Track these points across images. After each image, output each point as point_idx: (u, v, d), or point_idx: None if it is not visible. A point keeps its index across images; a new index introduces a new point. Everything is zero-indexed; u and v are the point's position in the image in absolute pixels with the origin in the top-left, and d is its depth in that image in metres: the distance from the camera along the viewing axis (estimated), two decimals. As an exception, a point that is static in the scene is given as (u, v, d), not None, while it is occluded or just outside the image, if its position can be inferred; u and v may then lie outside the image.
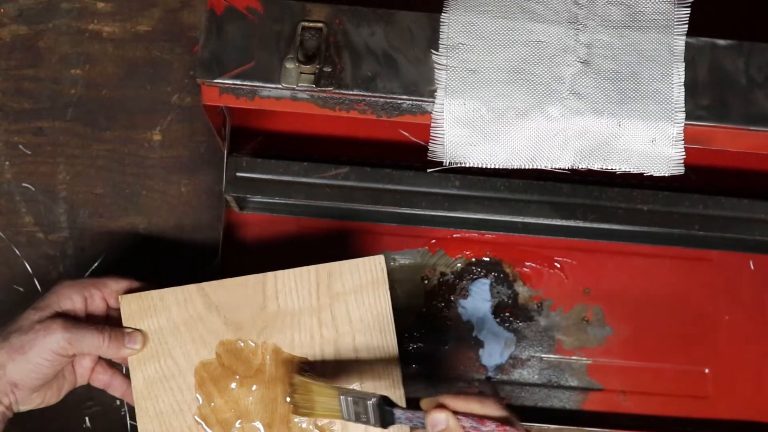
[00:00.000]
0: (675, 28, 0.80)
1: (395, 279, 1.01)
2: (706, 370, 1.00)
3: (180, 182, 1.03)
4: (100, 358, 0.86)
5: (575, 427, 0.98)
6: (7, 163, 1.02)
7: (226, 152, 0.90)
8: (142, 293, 0.84)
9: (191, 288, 0.84)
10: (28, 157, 1.02)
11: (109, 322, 0.84)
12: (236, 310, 0.84)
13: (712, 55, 0.79)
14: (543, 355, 1.01)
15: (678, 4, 0.80)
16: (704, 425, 1.00)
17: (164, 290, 0.84)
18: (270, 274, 0.84)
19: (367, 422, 0.77)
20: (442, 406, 0.75)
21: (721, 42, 0.80)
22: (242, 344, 0.84)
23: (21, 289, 1.00)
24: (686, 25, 0.80)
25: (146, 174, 1.02)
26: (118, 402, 0.99)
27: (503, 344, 1.01)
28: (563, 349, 1.00)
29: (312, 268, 0.85)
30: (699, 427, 0.99)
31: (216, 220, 1.01)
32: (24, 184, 1.02)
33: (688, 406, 0.99)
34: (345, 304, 0.84)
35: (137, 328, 0.83)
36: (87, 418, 0.99)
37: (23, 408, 0.82)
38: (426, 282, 1.02)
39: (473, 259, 1.02)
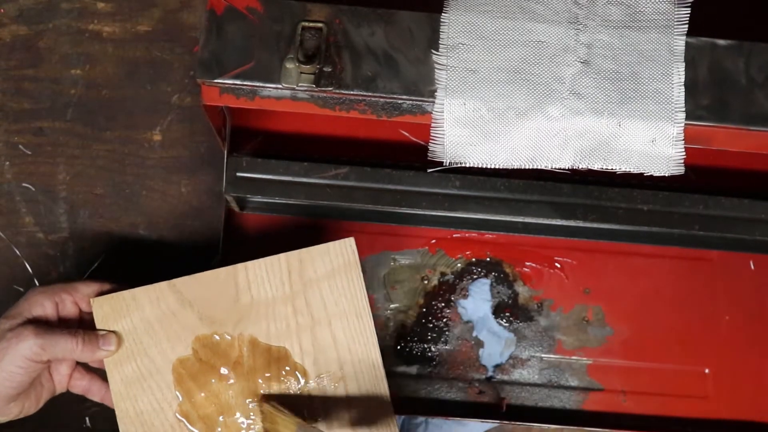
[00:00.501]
0: (675, 28, 0.80)
1: (395, 279, 1.01)
2: (706, 370, 1.00)
3: (180, 182, 1.03)
4: (77, 363, 0.85)
5: (575, 427, 0.98)
6: (8, 163, 1.02)
7: (226, 152, 0.90)
8: (114, 294, 0.84)
9: (162, 285, 0.84)
10: (28, 158, 1.02)
11: (83, 326, 0.84)
12: (210, 304, 0.84)
13: (712, 55, 0.79)
14: (543, 355, 1.01)
15: (678, 4, 0.80)
16: (704, 425, 1.00)
17: (136, 290, 0.84)
18: (240, 266, 0.84)
19: None
20: None
21: (721, 42, 0.80)
22: (218, 338, 0.84)
23: (21, 289, 1.00)
24: (686, 25, 0.80)
25: (146, 174, 1.02)
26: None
27: (503, 344, 1.01)
28: (563, 349, 1.00)
29: (282, 255, 0.84)
30: (699, 427, 0.99)
31: (216, 220, 1.01)
32: (24, 185, 1.02)
33: (688, 406, 0.99)
34: (319, 290, 0.84)
35: (111, 329, 0.83)
36: (87, 419, 0.99)
37: (2, 419, 0.81)
38: (426, 282, 1.02)
39: (473, 259, 1.02)
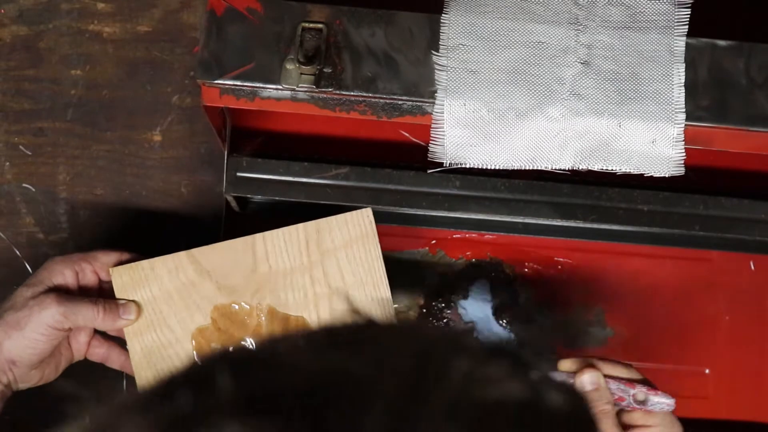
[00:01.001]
0: (675, 29, 0.80)
1: (396, 279, 1.01)
2: (706, 370, 1.00)
3: (180, 182, 1.03)
4: (95, 331, 0.86)
5: (575, 428, 0.98)
6: (8, 163, 1.02)
7: (226, 152, 0.90)
8: (133, 264, 0.84)
9: (181, 255, 0.84)
10: (28, 158, 1.02)
11: (102, 295, 0.84)
12: (228, 274, 0.84)
13: (712, 56, 0.79)
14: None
15: (678, 4, 0.80)
16: (704, 425, 1.00)
17: (154, 259, 0.84)
18: (258, 236, 0.84)
19: None
20: (591, 366, 0.74)
21: (721, 42, 0.80)
22: (237, 307, 0.84)
23: (21, 289, 1.00)
24: (686, 26, 0.80)
25: (146, 174, 1.02)
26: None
27: (503, 344, 1.01)
28: (564, 349, 1.00)
29: (300, 225, 0.85)
30: (699, 427, 0.99)
31: (216, 221, 1.01)
32: (24, 185, 1.02)
33: (688, 406, 0.99)
34: (336, 260, 0.84)
35: (131, 299, 0.83)
36: (87, 418, 0.99)
37: (22, 386, 0.82)
38: (426, 282, 1.02)
39: (474, 260, 1.02)
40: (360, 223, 0.84)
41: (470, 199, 0.90)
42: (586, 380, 0.74)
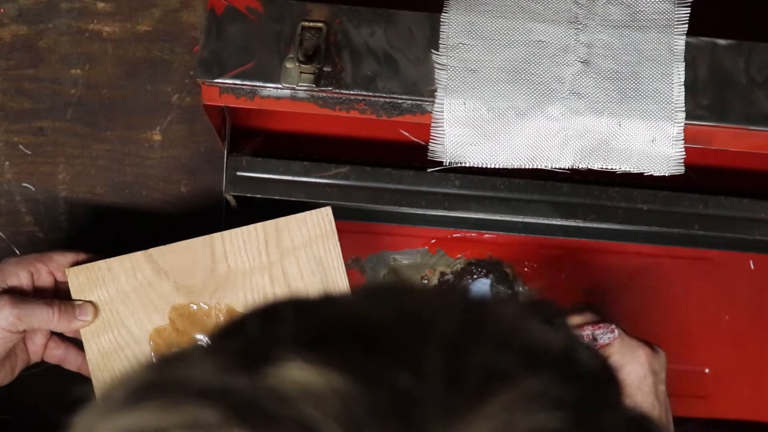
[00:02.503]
0: (675, 28, 0.80)
1: (395, 279, 1.01)
2: (706, 370, 1.00)
3: (180, 182, 1.03)
4: (52, 333, 0.85)
5: (575, 427, 0.98)
6: (7, 163, 1.02)
7: (226, 152, 0.90)
8: (89, 264, 0.83)
9: (138, 255, 0.84)
10: (28, 157, 1.02)
11: (58, 296, 0.83)
12: (186, 274, 0.84)
13: (712, 55, 0.79)
14: (543, 355, 1.01)
15: (678, 3, 0.80)
16: (704, 425, 1.00)
17: (111, 260, 0.84)
18: (217, 235, 0.84)
19: None
20: None
21: (721, 42, 0.80)
22: (195, 307, 0.83)
23: (21, 289, 1.00)
24: (686, 25, 0.80)
25: (146, 174, 1.02)
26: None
27: (503, 344, 1.01)
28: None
29: (259, 225, 0.84)
30: (699, 427, 0.99)
31: (216, 220, 1.01)
32: (24, 184, 1.02)
33: (688, 406, 0.99)
34: (296, 260, 0.84)
35: (87, 299, 0.83)
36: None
37: None
38: (426, 282, 1.02)
39: (473, 259, 1.02)
40: (320, 222, 0.84)
41: (470, 198, 0.90)
42: None
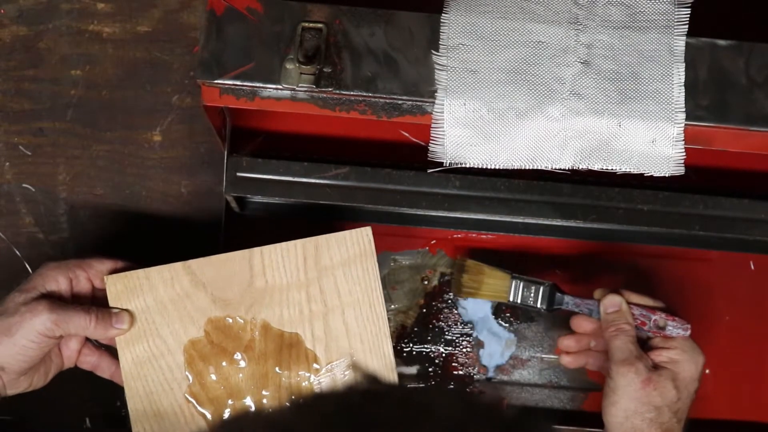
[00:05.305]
0: (675, 29, 0.80)
1: (396, 280, 1.01)
2: (707, 370, 1.00)
3: (180, 182, 1.03)
4: (86, 339, 0.85)
5: (575, 427, 0.98)
6: (8, 163, 1.02)
7: (226, 152, 0.90)
8: (128, 273, 0.84)
9: (177, 266, 0.84)
10: (28, 158, 1.02)
11: (95, 303, 0.84)
12: (224, 287, 0.84)
13: (712, 55, 0.79)
14: (543, 356, 1.01)
15: (678, 4, 0.80)
16: (704, 425, 1.00)
17: (150, 269, 0.84)
18: (256, 250, 0.84)
19: (533, 305, 0.86)
20: (617, 293, 0.84)
21: (721, 42, 0.80)
22: (231, 321, 0.84)
23: (21, 289, 1.00)
24: (686, 25, 0.80)
25: (146, 174, 1.02)
26: (119, 403, 0.99)
27: (504, 344, 1.01)
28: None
29: (299, 242, 0.84)
30: (699, 427, 0.99)
31: (216, 221, 1.01)
32: (24, 185, 1.02)
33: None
34: (333, 278, 0.84)
35: (124, 308, 0.83)
36: (87, 419, 0.99)
37: (11, 392, 0.81)
38: (426, 282, 1.02)
39: (473, 260, 1.02)
40: (359, 241, 0.84)
41: (470, 199, 0.90)
42: (608, 303, 0.84)
